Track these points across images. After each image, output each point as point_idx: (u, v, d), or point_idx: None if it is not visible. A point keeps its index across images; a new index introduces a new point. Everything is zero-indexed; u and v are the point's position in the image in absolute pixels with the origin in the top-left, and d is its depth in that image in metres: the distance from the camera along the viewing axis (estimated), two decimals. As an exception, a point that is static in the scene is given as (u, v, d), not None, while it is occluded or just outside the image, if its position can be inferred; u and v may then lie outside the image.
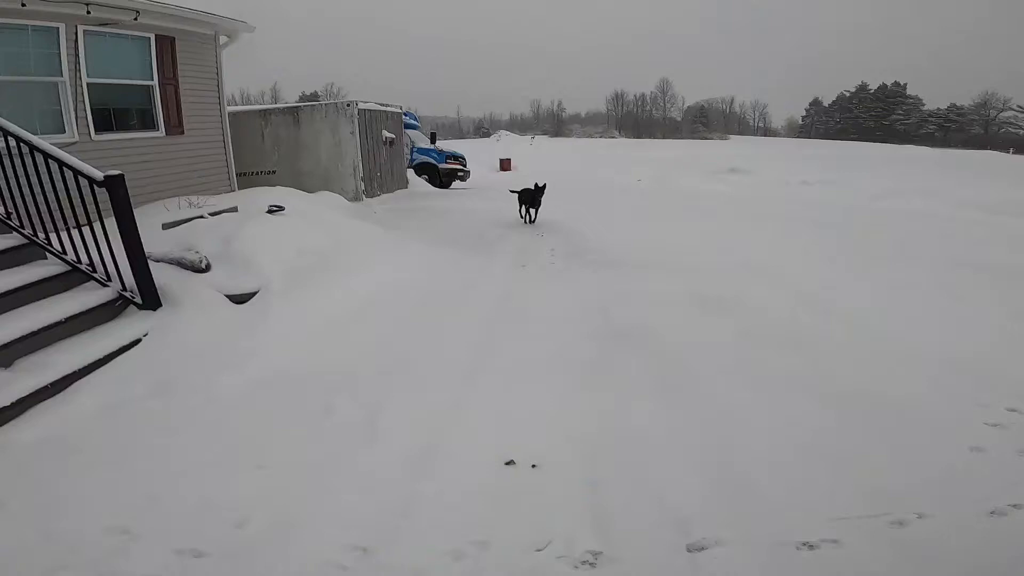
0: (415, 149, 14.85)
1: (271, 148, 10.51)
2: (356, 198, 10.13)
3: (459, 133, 73.03)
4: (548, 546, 2.18)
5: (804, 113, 77.36)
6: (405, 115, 13.87)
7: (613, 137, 66.76)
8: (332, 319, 4.31)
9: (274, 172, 10.28)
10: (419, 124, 17.71)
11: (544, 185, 8.53)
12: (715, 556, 2.10)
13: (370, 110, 11.05)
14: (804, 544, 2.13)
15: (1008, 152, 43.97)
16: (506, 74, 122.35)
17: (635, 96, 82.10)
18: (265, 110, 10.98)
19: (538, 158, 28.29)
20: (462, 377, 3.55)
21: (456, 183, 15.03)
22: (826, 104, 74.48)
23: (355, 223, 6.85)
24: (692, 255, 6.81)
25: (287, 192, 7.49)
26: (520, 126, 76.21)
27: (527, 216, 8.70)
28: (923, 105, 64.64)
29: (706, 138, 60.29)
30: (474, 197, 12.38)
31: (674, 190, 15.44)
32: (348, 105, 10.32)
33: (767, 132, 77.23)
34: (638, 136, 66.80)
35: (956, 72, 78.41)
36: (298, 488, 2.51)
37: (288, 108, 10.94)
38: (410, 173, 13.75)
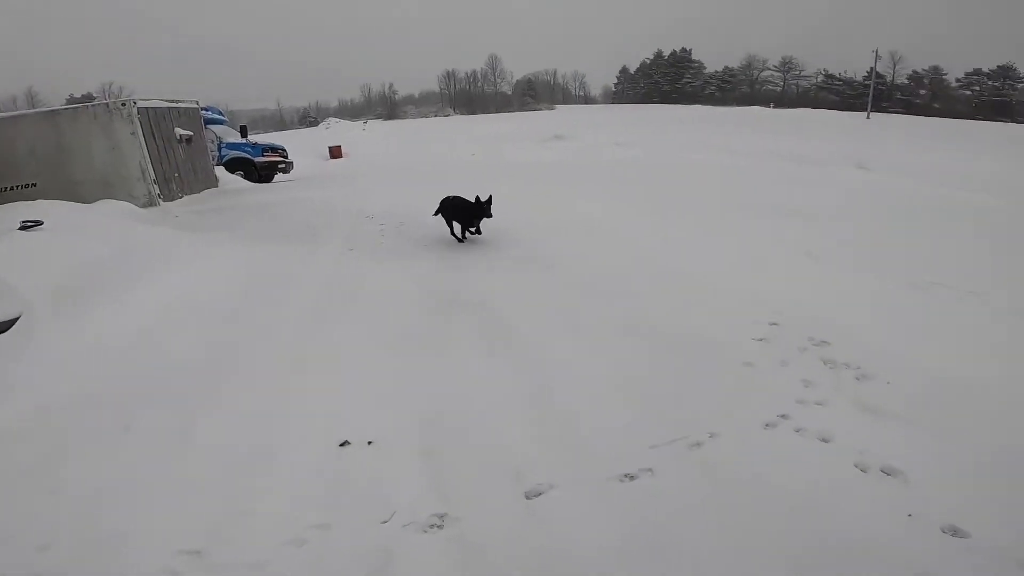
0: (223, 145, 13.47)
1: (25, 158, 8.77)
2: (150, 203, 9.00)
3: (282, 124, 67.03)
4: (393, 517, 2.21)
5: (616, 80, 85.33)
6: (205, 110, 12.48)
7: (448, 115, 67.00)
8: (125, 332, 3.90)
9: (34, 185, 8.61)
10: (225, 118, 15.99)
11: (489, 199, 6.09)
12: (550, 499, 2.26)
13: (155, 108, 9.78)
14: (625, 476, 2.34)
15: (769, 107, 53.53)
16: (331, 60, 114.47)
17: (466, 73, 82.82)
18: (9, 117, 9.17)
19: (372, 142, 27.46)
20: (288, 368, 3.45)
21: (279, 176, 14.01)
22: (632, 71, 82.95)
23: (147, 229, 6.13)
24: (519, 221, 7.21)
25: (52, 205, 6.37)
26: (351, 112, 72.33)
27: (462, 233, 6.44)
28: (705, 68, 75.38)
29: (535, 109, 63.53)
30: (298, 188, 11.70)
31: (505, 160, 16.19)
32: (123, 104, 9.02)
33: (587, 100, 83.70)
34: (472, 112, 67.81)
35: (728, 37, 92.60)
36: (107, 506, 2.34)
37: (43, 113, 9.38)
38: (221, 171, 12.48)
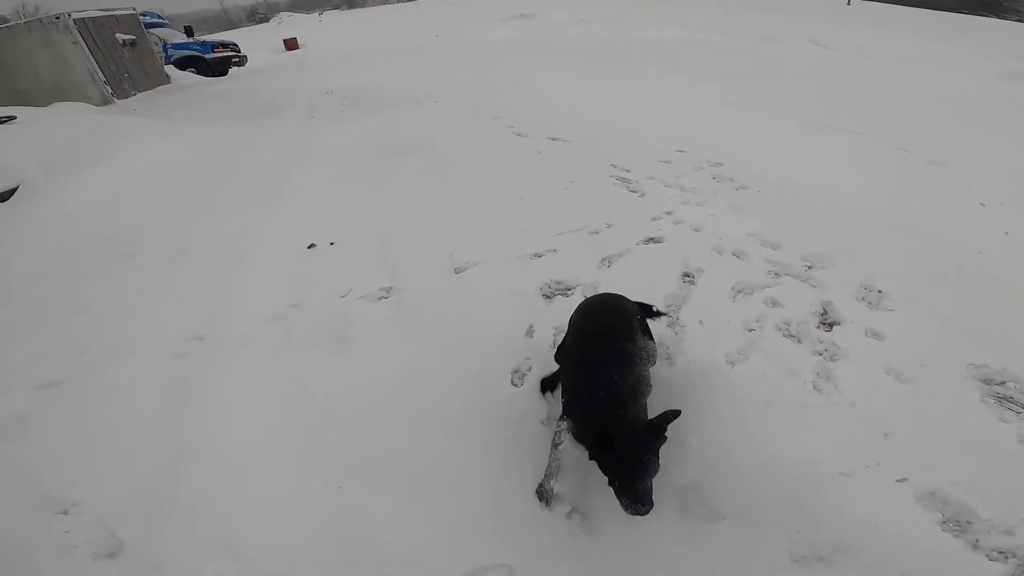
0: (169, 46, 13.16)
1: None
2: (106, 102, 9.28)
3: (228, 23, 61.48)
4: (349, 292, 2.73)
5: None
6: (143, 15, 12.06)
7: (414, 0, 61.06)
8: (111, 189, 4.41)
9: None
10: (166, 21, 15.25)
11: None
12: (473, 273, 2.79)
13: (92, 17, 9.68)
14: (534, 255, 2.88)
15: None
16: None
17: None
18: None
19: (330, 34, 25.78)
20: (264, 197, 4.09)
21: (235, 70, 13.76)
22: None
23: (112, 117, 6.42)
24: (467, 86, 7.52)
25: (12, 109, 6.55)
26: (307, 5, 65.93)
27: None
28: None
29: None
30: (255, 77, 11.72)
31: (467, 40, 15.57)
32: (57, 18, 8.95)
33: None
34: (435, -5, 61.41)
35: None
36: (125, 315, 2.96)
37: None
38: (171, 69, 12.30)
